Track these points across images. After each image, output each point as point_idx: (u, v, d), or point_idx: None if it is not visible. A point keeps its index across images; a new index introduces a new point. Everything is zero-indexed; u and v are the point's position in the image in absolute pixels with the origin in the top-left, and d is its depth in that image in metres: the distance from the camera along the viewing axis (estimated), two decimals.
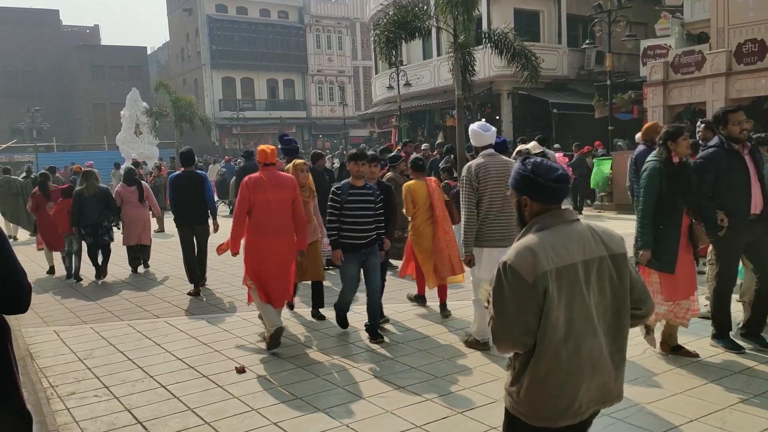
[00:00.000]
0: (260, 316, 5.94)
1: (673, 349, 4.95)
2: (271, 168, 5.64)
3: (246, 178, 5.61)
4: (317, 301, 6.53)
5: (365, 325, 5.76)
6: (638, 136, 9.82)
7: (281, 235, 5.52)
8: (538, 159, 2.31)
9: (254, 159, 8.77)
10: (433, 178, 6.71)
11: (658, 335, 4.99)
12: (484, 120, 6.13)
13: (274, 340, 5.42)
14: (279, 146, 7.59)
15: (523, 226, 2.28)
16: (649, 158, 4.90)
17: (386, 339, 5.66)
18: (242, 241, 5.70)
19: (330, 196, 5.59)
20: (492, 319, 2.19)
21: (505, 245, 4.75)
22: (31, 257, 11.03)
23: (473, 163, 5.09)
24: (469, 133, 5.25)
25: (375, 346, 5.47)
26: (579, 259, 2.15)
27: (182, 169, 8.22)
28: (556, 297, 2.10)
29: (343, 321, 5.94)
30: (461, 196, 5.14)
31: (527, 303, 2.10)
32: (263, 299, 5.50)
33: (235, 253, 5.75)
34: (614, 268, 2.22)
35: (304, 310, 6.81)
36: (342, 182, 5.65)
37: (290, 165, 6.53)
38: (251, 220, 5.50)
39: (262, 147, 5.76)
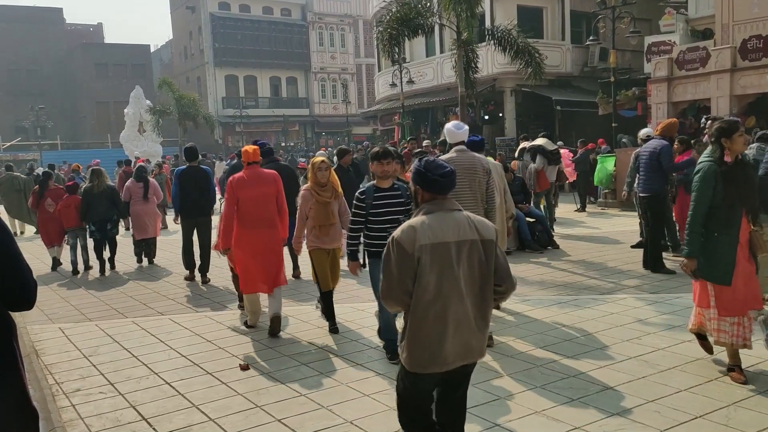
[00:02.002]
0: (241, 305, 6.73)
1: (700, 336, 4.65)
2: (254, 166, 6.07)
3: (230, 178, 6.07)
4: (329, 314, 6.00)
5: (383, 341, 5.23)
6: (645, 131, 9.80)
7: (265, 227, 5.93)
8: (431, 158, 2.88)
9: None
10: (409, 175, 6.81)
11: (712, 341, 4.56)
12: (456, 119, 6.25)
13: (273, 328, 5.85)
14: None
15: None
16: (701, 158, 4.45)
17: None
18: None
19: (354, 202, 5.09)
20: (381, 282, 2.76)
21: None
22: (36, 254, 11.08)
23: (445, 157, 5.44)
24: (444, 130, 5.76)
25: (379, 343, 5.45)
26: (452, 239, 2.70)
27: (187, 164, 8.61)
28: (428, 266, 2.66)
29: (395, 347, 4.84)
30: None
31: (406, 269, 2.67)
32: (249, 290, 5.98)
33: (226, 249, 6.12)
34: (483, 251, 2.75)
35: (306, 307, 6.82)
36: (366, 185, 5.18)
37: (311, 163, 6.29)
38: (238, 215, 5.93)
39: (245, 148, 6.21)
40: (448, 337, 2.69)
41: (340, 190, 6.01)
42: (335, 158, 8.94)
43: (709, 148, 4.44)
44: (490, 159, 6.66)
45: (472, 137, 5.73)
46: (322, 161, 5.97)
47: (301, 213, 5.88)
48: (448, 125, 5.69)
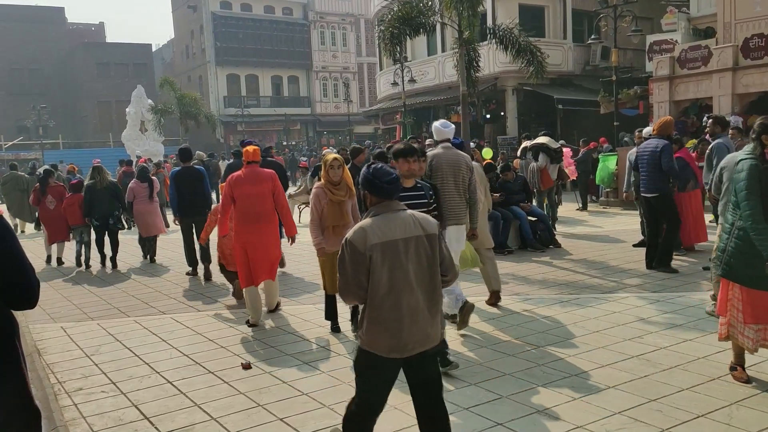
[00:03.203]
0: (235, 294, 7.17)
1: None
2: (253, 165, 6.34)
3: (229, 177, 6.40)
4: (331, 315, 5.94)
5: None
6: (647, 130, 9.78)
7: (260, 222, 6.21)
8: (379, 165, 3.10)
9: (241, 157, 9.54)
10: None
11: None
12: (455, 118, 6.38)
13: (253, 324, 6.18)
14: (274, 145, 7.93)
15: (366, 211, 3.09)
16: (742, 156, 4.26)
17: (457, 364, 4.72)
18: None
19: None
20: (339, 279, 3.01)
21: (455, 223, 5.59)
22: (37, 253, 11.10)
23: (432, 152, 5.78)
24: (432, 129, 6.06)
25: None
26: (400, 236, 2.95)
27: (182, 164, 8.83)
28: (380, 262, 2.91)
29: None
30: None
31: (360, 267, 2.91)
32: (246, 282, 6.20)
33: (224, 235, 6.62)
34: (428, 245, 3.01)
35: (308, 307, 6.82)
36: None
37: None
38: (236, 211, 6.24)
39: (246, 147, 6.51)
40: (405, 326, 2.94)
41: (354, 188, 5.84)
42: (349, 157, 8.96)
43: (750, 145, 4.27)
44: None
45: (454, 140, 6.05)
46: (335, 158, 5.79)
47: (314, 212, 5.74)
48: (436, 123, 6.01)
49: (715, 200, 5.79)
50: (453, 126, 5.97)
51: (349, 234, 2.98)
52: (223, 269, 7.30)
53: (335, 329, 5.88)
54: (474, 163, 6.70)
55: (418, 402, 3.15)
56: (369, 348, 3.01)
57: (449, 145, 5.81)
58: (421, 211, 4.65)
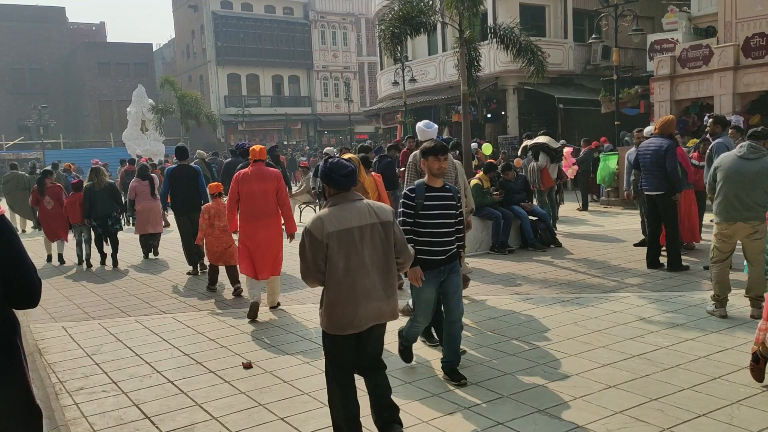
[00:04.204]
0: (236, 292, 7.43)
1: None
2: (259, 164, 6.60)
3: (236, 173, 6.70)
4: None
5: (442, 363, 4.61)
6: (647, 129, 9.77)
7: (265, 218, 6.45)
8: (335, 159, 3.39)
9: (239, 156, 10.32)
10: (377, 174, 7.50)
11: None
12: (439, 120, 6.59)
13: (252, 311, 6.37)
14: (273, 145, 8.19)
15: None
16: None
17: (468, 380, 4.49)
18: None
19: (402, 200, 4.49)
20: (300, 264, 3.33)
21: None
22: (38, 253, 11.11)
23: (417, 152, 5.82)
24: (416, 129, 6.34)
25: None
26: (355, 225, 3.26)
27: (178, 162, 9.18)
28: (336, 249, 3.23)
29: (408, 353, 4.83)
30: (406, 177, 6.08)
31: (318, 253, 3.23)
32: (250, 274, 6.47)
33: (233, 231, 6.89)
34: (383, 231, 3.34)
35: (308, 306, 6.82)
36: (416, 182, 4.54)
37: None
38: (241, 208, 6.52)
39: (252, 147, 6.80)
40: (360, 305, 3.27)
41: (371, 192, 5.77)
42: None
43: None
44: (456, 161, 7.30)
45: (439, 138, 6.35)
46: (348, 159, 5.50)
47: None
48: (419, 124, 6.23)
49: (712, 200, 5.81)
50: (436, 126, 6.19)
51: (308, 223, 3.29)
52: (211, 269, 7.88)
53: None
54: (456, 161, 7.04)
55: (362, 372, 3.52)
56: (328, 330, 3.35)
57: None
58: (449, 215, 4.39)
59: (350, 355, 3.42)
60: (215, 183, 8.25)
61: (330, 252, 3.22)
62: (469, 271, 5.92)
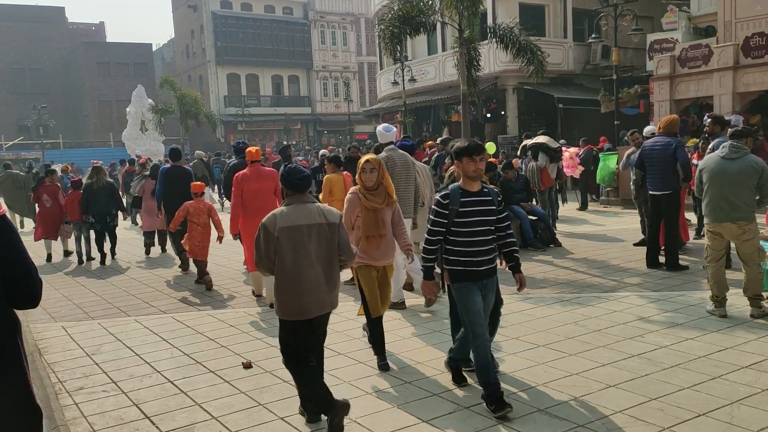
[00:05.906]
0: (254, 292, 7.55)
1: None
2: (256, 165, 7.05)
3: (237, 174, 7.06)
4: (379, 349, 4.92)
5: (448, 357, 4.53)
6: (648, 129, 9.77)
7: (263, 214, 6.47)
8: (293, 165, 3.87)
9: (243, 156, 10.56)
10: (347, 173, 7.84)
11: None
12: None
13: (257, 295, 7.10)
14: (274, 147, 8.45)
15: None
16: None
17: (468, 381, 4.43)
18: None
19: (433, 207, 4.09)
20: (254, 255, 3.81)
21: (406, 216, 6.20)
22: (39, 252, 11.10)
23: (383, 155, 6.34)
24: (376, 132, 6.70)
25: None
26: (304, 223, 3.69)
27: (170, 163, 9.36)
28: (285, 243, 3.65)
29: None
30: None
31: (270, 245, 3.67)
32: (253, 269, 6.93)
33: (235, 234, 7.23)
34: (329, 231, 3.75)
35: None
36: (450, 187, 4.08)
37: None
38: (243, 206, 6.89)
39: (249, 149, 7.26)
40: (305, 295, 3.66)
41: (395, 196, 5.10)
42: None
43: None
44: (419, 163, 7.62)
45: (403, 141, 6.84)
46: (367, 161, 4.91)
47: (347, 220, 4.87)
48: (379, 128, 6.58)
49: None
50: (395, 129, 6.71)
51: (264, 219, 3.70)
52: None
53: (383, 367, 4.80)
54: (421, 163, 7.51)
55: (308, 344, 3.91)
56: (284, 316, 3.76)
57: (394, 147, 6.54)
58: (489, 221, 4.02)
59: (298, 339, 3.80)
60: (197, 183, 8.48)
61: (280, 244, 3.64)
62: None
